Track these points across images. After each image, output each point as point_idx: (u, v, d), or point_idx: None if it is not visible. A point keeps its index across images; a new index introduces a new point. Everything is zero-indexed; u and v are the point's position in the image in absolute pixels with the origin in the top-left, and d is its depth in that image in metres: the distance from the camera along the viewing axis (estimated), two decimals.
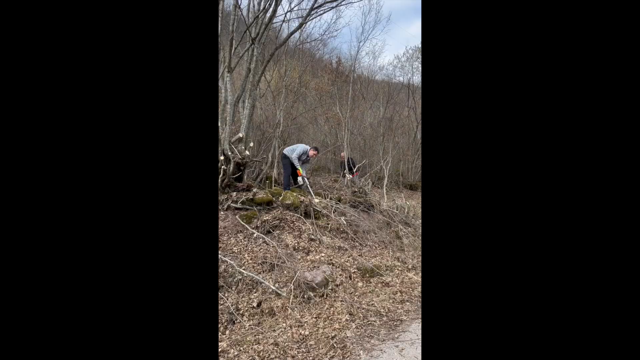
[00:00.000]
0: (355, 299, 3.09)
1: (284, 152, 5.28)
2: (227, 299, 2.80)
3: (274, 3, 3.69)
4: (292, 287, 2.98)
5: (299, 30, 4.34)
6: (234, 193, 3.82)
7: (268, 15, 3.82)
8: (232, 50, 4.00)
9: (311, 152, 5.23)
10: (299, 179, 5.06)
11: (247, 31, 3.87)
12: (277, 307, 2.80)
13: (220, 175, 3.83)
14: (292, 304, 2.85)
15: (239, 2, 3.64)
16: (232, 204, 3.76)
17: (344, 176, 6.43)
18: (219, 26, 3.83)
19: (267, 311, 2.75)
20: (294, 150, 5.07)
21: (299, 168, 5.08)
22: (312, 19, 4.75)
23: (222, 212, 3.72)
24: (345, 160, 6.38)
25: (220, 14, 3.78)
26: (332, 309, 2.84)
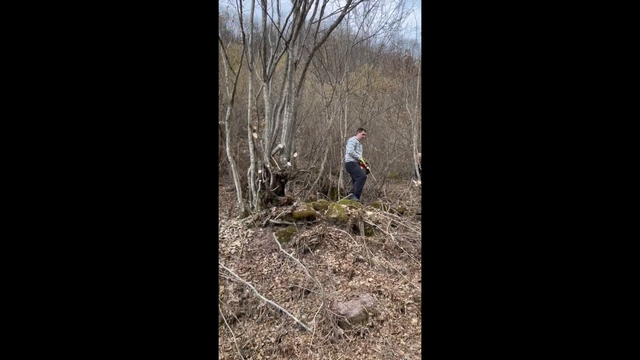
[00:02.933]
0: (402, 342, 2.38)
1: (346, 161, 4.98)
2: (247, 330, 2.49)
3: (303, 1, 3.38)
4: (318, 322, 2.48)
5: (339, 23, 3.91)
6: (274, 208, 3.57)
7: (299, 13, 3.53)
8: (270, 59, 3.84)
9: (359, 135, 4.96)
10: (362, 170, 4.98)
11: (281, 36, 3.65)
12: (298, 345, 2.35)
13: (259, 190, 3.64)
14: (316, 342, 2.35)
15: (266, 6, 3.47)
16: (270, 220, 3.51)
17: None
18: (251, 36, 3.73)
19: (285, 349, 2.32)
20: (349, 151, 4.87)
21: (362, 160, 4.96)
22: (352, 8, 4.26)
23: (260, 229, 3.50)
24: (417, 162, 5.51)
25: (250, 23, 3.69)
26: (364, 355, 2.23)
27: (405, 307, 2.78)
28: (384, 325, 2.54)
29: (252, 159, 3.75)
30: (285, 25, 3.75)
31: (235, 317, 2.54)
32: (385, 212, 4.04)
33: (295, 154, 4.02)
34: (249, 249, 3.27)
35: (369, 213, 3.80)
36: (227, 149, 3.88)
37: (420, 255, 3.58)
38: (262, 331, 2.48)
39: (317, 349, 2.29)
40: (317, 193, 4.91)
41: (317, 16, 4.03)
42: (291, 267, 3.11)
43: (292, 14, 3.59)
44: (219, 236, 3.38)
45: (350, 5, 3.83)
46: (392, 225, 3.79)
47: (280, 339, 2.39)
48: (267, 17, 3.51)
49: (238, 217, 3.74)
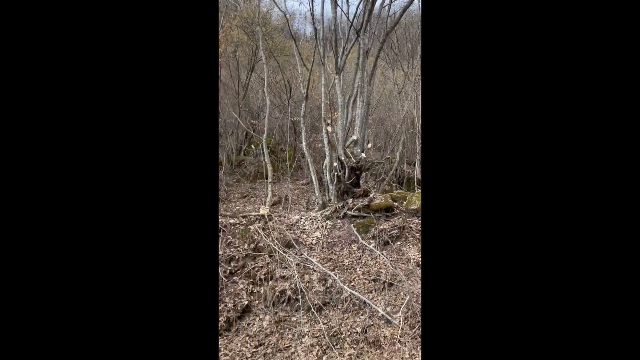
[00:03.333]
0: None
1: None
2: (332, 319, 2.56)
3: None
4: (404, 315, 2.41)
5: (410, 4, 3.66)
6: (350, 200, 3.58)
7: (370, 0, 3.42)
8: (342, 50, 3.82)
9: None
10: None
11: (352, 25, 3.60)
12: (384, 337, 2.32)
13: (334, 182, 3.68)
14: (403, 336, 2.29)
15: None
16: (348, 212, 3.53)
17: None
18: (322, 30, 3.75)
19: (372, 340, 2.32)
20: None
21: None
22: None
23: (338, 221, 3.55)
24: None
25: (320, 17, 3.71)
26: None
27: None
28: None
29: (326, 152, 3.81)
30: (355, 14, 3.69)
31: (322, 305, 2.63)
32: None
33: (369, 145, 3.95)
34: (329, 240, 3.35)
35: None
36: (304, 144, 4.01)
37: None
38: (347, 321, 2.52)
39: (405, 343, 2.24)
40: (393, 184, 4.77)
41: (387, 0, 3.87)
42: (372, 258, 3.09)
43: (362, 1, 3.50)
44: (300, 227, 3.53)
45: None
46: None
47: (366, 330, 2.40)
48: (337, 8, 3.50)
49: (316, 209, 3.85)
